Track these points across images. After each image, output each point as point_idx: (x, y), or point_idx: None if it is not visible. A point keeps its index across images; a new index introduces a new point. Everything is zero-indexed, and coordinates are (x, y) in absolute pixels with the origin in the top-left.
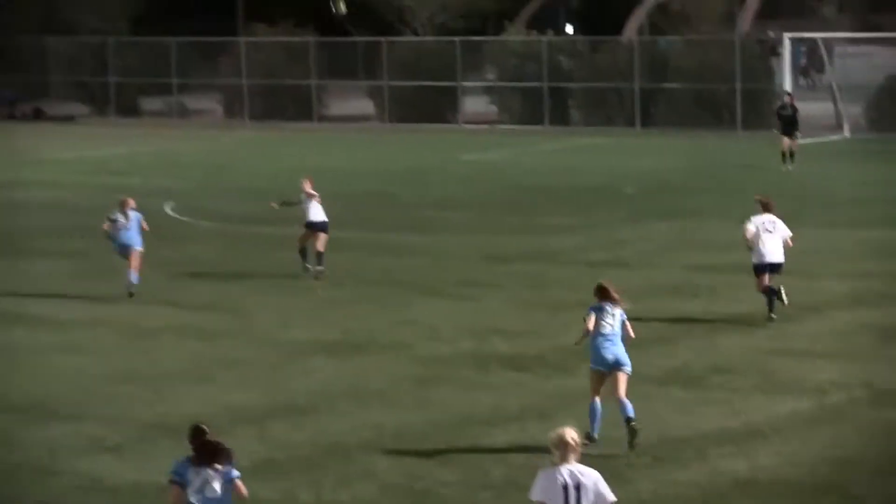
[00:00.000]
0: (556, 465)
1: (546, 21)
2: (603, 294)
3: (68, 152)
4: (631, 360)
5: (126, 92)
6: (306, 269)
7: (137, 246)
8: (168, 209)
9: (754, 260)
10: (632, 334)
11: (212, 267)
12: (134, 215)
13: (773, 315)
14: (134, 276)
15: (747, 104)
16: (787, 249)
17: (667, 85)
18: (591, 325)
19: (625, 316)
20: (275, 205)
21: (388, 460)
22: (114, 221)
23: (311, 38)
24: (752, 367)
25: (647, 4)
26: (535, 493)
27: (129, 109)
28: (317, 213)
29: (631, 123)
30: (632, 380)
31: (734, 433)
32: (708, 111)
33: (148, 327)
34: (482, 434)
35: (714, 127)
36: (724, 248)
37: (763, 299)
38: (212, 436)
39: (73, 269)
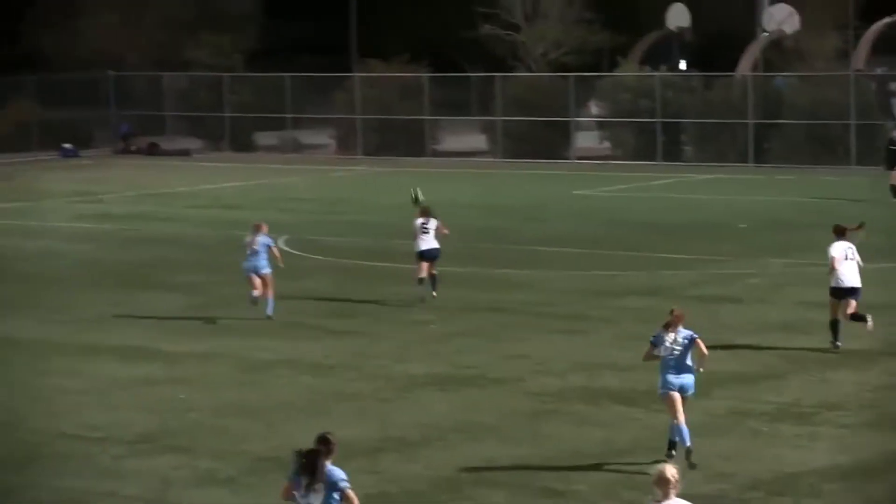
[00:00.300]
0: (658, 502)
1: (659, 57)
2: (669, 322)
3: (183, 186)
4: (742, 395)
5: (241, 127)
6: (422, 301)
7: (264, 270)
8: (282, 243)
9: (832, 284)
10: (704, 351)
11: (325, 300)
12: (262, 240)
13: (838, 343)
14: (269, 304)
15: (861, 140)
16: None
17: (780, 121)
18: (645, 356)
19: (695, 335)
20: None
21: (499, 494)
22: (246, 245)
23: (424, 74)
24: (865, 404)
25: (762, 41)
26: None
27: (243, 144)
28: (427, 241)
29: (744, 159)
30: (743, 416)
31: (847, 469)
32: (822, 147)
33: (261, 360)
34: (593, 468)
35: (828, 162)
36: None
37: (842, 327)
38: (333, 449)
39: (187, 302)
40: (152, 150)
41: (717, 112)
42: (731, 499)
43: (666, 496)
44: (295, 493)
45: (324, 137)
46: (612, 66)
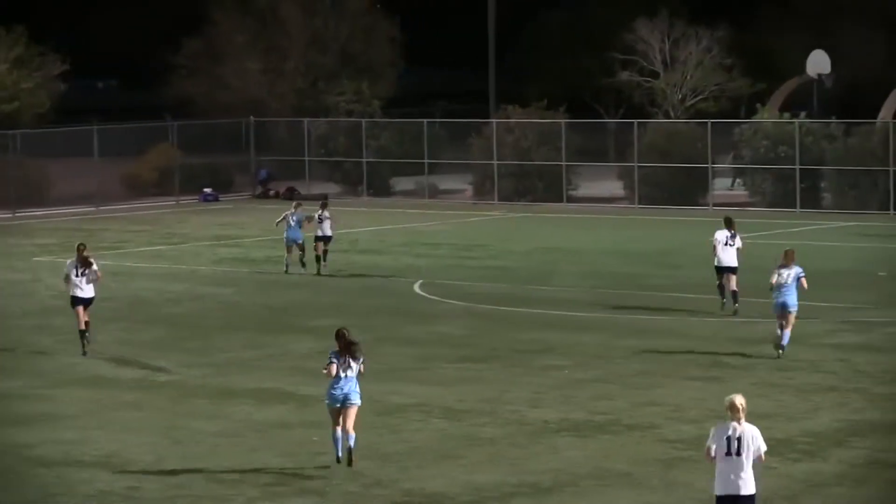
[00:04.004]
0: (727, 422)
1: (799, 103)
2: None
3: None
4: (882, 445)
5: (379, 172)
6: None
7: (299, 240)
8: (417, 287)
9: (715, 263)
10: (804, 285)
11: (459, 345)
12: (299, 216)
13: (725, 301)
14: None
15: None
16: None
17: None
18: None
19: (801, 273)
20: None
21: None
22: (284, 219)
23: (562, 120)
24: None
25: None
26: (710, 441)
27: (381, 189)
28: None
29: (885, 207)
30: (883, 466)
31: None
32: None
33: (395, 404)
34: None
35: None
36: None
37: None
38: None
39: (322, 345)
40: (291, 195)
41: (858, 159)
42: None
43: (734, 419)
44: (339, 368)
45: (461, 183)
46: (751, 112)
